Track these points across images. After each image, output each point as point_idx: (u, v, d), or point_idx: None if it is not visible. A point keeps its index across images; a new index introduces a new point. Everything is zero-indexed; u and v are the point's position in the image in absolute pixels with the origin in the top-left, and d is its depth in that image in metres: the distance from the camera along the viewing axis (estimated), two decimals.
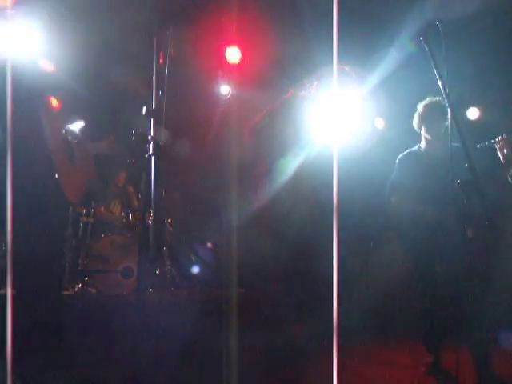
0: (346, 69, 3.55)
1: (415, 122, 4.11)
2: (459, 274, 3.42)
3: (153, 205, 2.62)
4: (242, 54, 5.19)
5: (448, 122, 3.71)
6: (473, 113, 6.10)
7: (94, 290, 5.64)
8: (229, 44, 5.12)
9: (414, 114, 4.12)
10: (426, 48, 3.01)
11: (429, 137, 4.01)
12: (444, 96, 3.05)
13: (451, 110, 3.12)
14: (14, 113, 2.04)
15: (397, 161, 4.13)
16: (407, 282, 4.98)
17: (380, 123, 5.75)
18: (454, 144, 3.90)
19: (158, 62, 2.59)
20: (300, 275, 3.56)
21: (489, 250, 3.21)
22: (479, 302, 3.52)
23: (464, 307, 3.57)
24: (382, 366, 4.14)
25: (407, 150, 4.14)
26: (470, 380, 3.46)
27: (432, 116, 3.98)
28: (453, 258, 3.39)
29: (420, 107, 4.06)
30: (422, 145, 4.10)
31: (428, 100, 4.04)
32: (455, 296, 3.64)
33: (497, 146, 3.80)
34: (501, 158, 3.79)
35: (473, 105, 6.04)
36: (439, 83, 3.02)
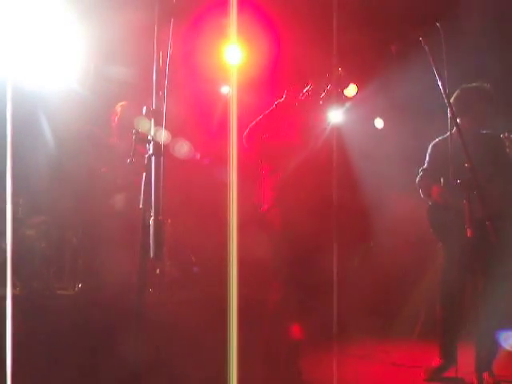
0: (340, 69, 3.55)
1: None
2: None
3: (153, 205, 2.62)
4: (243, 54, 5.19)
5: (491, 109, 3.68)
6: None
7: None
8: (229, 44, 5.11)
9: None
10: (426, 48, 3.02)
11: (464, 122, 3.69)
12: (444, 96, 3.05)
13: (451, 110, 3.13)
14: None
15: (429, 148, 3.99)
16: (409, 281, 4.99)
17: (380, 123, 5.75)
18: (483, 131, 3.87)
19: (157, 62, 2.59)
20: (300, 275, 3.56)
21: (489, 250, 3.16)
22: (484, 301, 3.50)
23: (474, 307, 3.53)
24: (382, 366, 4.14)
25: (440, 137, 3.92)
26: (469, 380, 3.46)
27: (469, 100, 3.83)
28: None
29: (457, 92, 3.86)
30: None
31: (468, 85, 3.88)
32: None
33: None
34: None
35: None
36: (439, 83, 3.03)
